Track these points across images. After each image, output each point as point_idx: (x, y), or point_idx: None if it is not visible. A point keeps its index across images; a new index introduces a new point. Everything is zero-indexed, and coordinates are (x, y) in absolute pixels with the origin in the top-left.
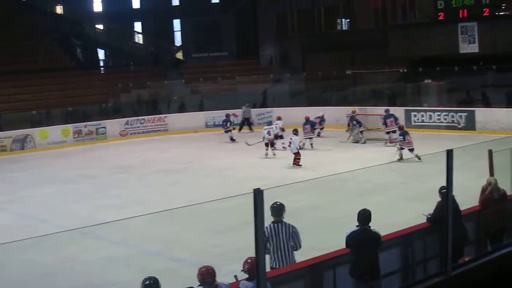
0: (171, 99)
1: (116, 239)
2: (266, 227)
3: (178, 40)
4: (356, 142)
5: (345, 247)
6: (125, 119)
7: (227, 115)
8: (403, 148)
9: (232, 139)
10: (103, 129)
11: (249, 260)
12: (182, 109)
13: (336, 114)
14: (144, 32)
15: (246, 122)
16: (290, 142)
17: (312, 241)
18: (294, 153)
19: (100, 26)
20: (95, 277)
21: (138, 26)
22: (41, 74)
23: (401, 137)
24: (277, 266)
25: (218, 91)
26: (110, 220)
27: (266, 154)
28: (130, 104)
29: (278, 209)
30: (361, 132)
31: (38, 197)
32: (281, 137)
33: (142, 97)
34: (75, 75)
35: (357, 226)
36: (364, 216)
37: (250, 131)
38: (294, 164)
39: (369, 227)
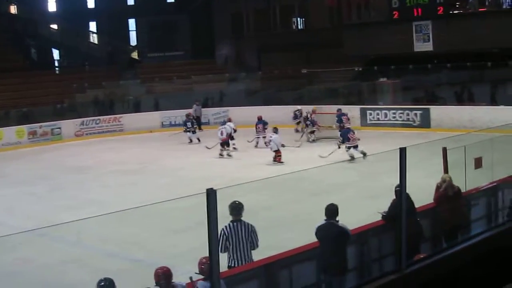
0: (127, 99)
1: (71, 240)
2: (226, 226)
3: (133, 40)
4: (307, 141)
5: (300, 245)
6: (80, 120)
7: (188, 115)
8: (350, 147)
9: (191, 140)
10: (58, 129)
11: (203, 260)
12: (137, 109)
13: (292, 112)
14: (99, 31)
15: (196, 121)
16: (270, 140)
17: (266, 240)
18: (274, 151)
19: (55, 26)
20: (51, 279)
21: (93, 26)
22: None
23: (341, 137)
24: (235, 265)
25: (173, 91)
26: (66, 221)
27: (221, 155)
28: (85, 105)
29: (237, 208)
30: (312, 132)
31: None
32: (232, 138)
33: (98, 97)
34: (29, 76)
35: (325, 220)
36: (331, 211)
37: (199, 130)
38: (275, 161)
39: (337, 221)
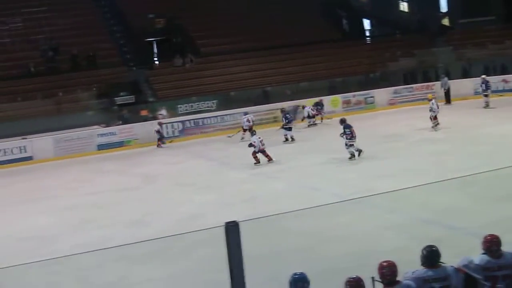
0: (439, 66)
1: (388, 207)
2: None
3: (444, 6)
4: None
5: None
6: (393, 88)
7: (282, 110)
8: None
9: (286, 139)
10: (371, 98)
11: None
12: (450, 76)
13: None
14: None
15: (446, 95)
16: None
17: None
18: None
19: None
20: (368, 244)
21: None
22: (309, 46)
23: (348, 130)
24: None
25: (485, 57)
26: (381, 188)
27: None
28: (397, 73)
29: None
30: None
31: (308, 167)
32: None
33: (410, 65)
34: (342, 46)
35: None
36: None
37: (448, 103)
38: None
39: None
